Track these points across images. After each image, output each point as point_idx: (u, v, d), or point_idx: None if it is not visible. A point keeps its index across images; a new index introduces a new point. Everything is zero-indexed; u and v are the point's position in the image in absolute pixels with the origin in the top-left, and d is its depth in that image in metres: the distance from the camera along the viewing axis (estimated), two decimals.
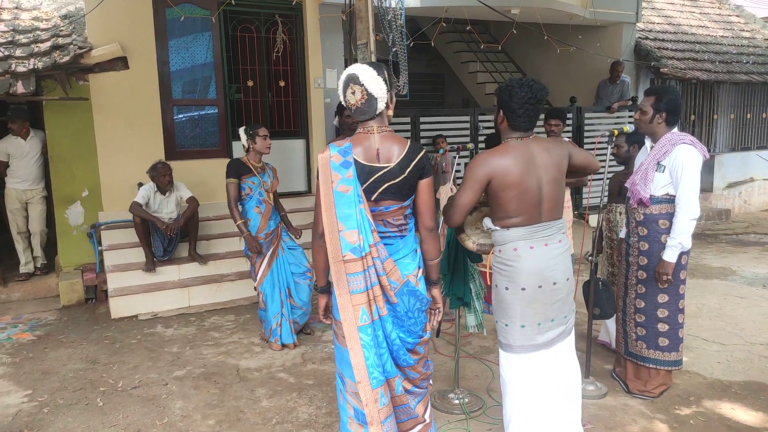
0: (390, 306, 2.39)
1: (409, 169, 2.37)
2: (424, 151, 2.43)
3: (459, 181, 5.88)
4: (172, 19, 6.30)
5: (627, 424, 3.25)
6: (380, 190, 2.35)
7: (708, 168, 10.28)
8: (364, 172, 2.33)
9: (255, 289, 4.64)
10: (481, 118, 8.00)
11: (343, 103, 2.44)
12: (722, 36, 11.02)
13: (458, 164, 6.11)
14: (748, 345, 4.31)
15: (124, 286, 5.51)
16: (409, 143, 2.42)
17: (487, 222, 2.75)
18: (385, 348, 2.38)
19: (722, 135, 10.45)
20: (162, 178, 5.57)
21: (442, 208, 4.80)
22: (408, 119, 7.51)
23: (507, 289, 2.65)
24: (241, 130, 4.58)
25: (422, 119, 7.62)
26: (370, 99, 2.35)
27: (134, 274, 5.60)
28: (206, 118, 6.74)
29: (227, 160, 6.62)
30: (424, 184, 2.44)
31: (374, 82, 2.34)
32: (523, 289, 2.61)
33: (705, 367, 3.96)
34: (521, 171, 2.53)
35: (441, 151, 7.18)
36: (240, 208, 4.53)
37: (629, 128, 3.81)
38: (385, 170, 2.35)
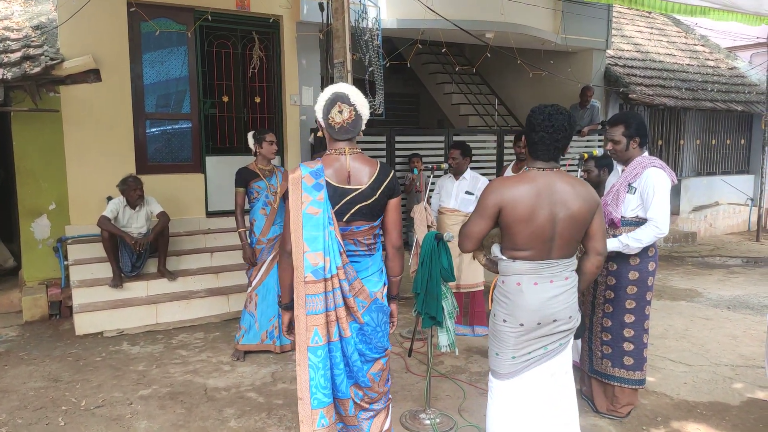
0: (357, 325, 2.40)
1: (380, 191, 2.41)
2: (393, 172, 2.48)
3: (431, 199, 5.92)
4: (148, 33, 6.26)
5: None
6: (352, 211, 2.38)
7: (675, 192, 10.54)
8: (336, 194, 2.34)
9: (247, 291, 4.68)
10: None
11: (321, 121, 2.42)
12: (688, 64, 11.39)
13: (432, 183, 6.14)
14: (713, 366, 4.39)
15: (89, 302, 5.38)
16: (379, 165, 2.45)
17: (495, 249, 2.66)
18: (342, 369, 2.38)
19: (688, 160, 10.75)
20: (132, 192, 5.48)
21: (416, 226, 4.84)
22: (383, 138, 7.55)
23: (504, 321, 2.56)
24: (250, 135, 4.70)
25: (397, 138, 7.67)
26: (357, 119, 2.40)
27: (101, 290, 5.47)
28: (180, 132, 6.68)
29: (200, 176, 6.68)
30: (393, 204, 2.48)
31: (363, 103, 2.42)
32: (521, 324, 2.51)
33: (672, 387, 4.02)
34: (533, 203, 2.41)
35: (416, 171, 7.24)
36: (249, 213, 4.64)
37: (598, 152, 3.90)
38: (357, 192, 2.38)
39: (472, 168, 5.43)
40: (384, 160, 7.51)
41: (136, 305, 5.44)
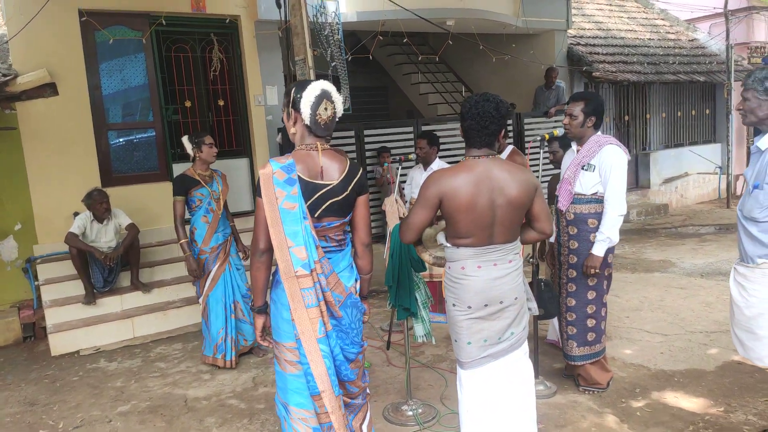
0: (335, 320, 2.40)
1: (351, 187, 2.41)
2: (362, 169, 2.49)
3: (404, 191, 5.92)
4: (103, 42, 6.13)
5: (577, 421, 3.31)
6: (323, 207, 2.37)
7: (644, 165, 10.70)
8: (308, 189, 2.33)
9: (198, 300, 4.60)
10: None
11: (305, 117, 2.36)
12: (650, 39, 11.52)
13: (403, 174, 6.13)
14: (688, 334, 4.47)
15: (63, 321, 5.28)
16: (348, 161, 2.46)
17: (440, 237, 2.73)
18: (333, 362, 2.38)
19: (656, 133, 10.88)
20: (98, 206, 5.37)
21: (387, 218, 4.83)
22: (352, 132, 7.51)
23: (454, 306, 2.64)
24: (185, 139, 4.51)
25: (366, 132, 7.63)
26: (335, 117, 2.42)
27: (74, 308, 5.37)
28: (144, 141, 6.57)
29: (167, 184, 6.56)
30: (362, 201, 2.49)
31: (339, 102, 2.43)
32: (469, 307, 2.58)
33: (649, 358, 4.08)
34: (473, 192, 2.46)
35: (386, 165, 7.22)
36: (188, 221, 4.49)
37: (559, 132, 3.93)
38: (329, 188, 2.37)
39: (442, 157, 5.43)
40: (354, 155, 7.47)
41: (112, 321, 5.34)
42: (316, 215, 2.36)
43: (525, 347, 2.74)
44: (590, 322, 3.54)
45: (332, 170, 2.39)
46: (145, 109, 6.54)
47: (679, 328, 4.60)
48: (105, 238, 5.49)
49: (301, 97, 2.36)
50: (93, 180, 5.95)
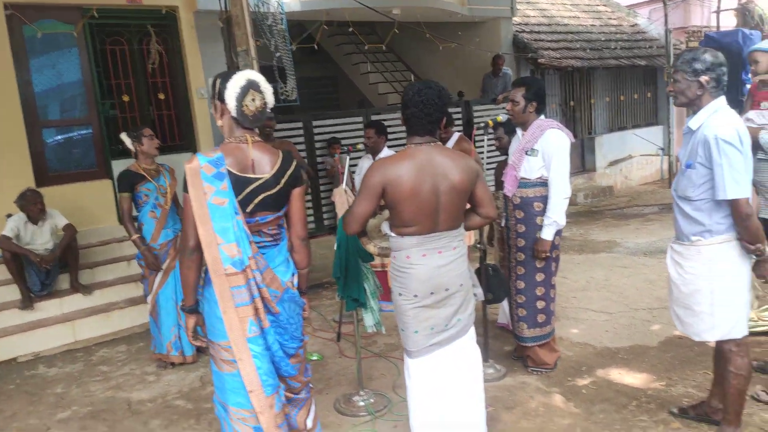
0: (272, 316, 2.34)
1: (284, 180, 2.35)
2: (295, 161, 2.41)
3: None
4: (32, 37, 5.83)
5: (525, 402, 3.35)
6: (255, 201, 2.29)
7: (590, 149, 10.95)
8: (238, 184, 2.25)
9: (146, 299, 4.46)
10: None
11: (231, 108, 2.27)
12: (592, 25, 11.75)
13: (353, 164, 6.08)
14: (632, 311, 4.58)
15: None
16: (281, 153, 2.39)
17: (385, 227, 2.70)
18: (268, 359, 2.32)
19: (600, 117, 11.14)
20: (32, 207, 5.12)
21: (337, 209, 4.77)
22: (300, 123, 7.40)
23: (401, 295, 2.62)
24: (124, 135, 4.38)
25: (315, 123, 7.54)
26: (265, 108, 2.34)
27: (10, 314, 5.11)
28: (80, 138, 6.30)
29: (107, 182, 6.34)
30: (297, 194, 2.43)
31: (269, 92, 2.35)
32: (416, 296, 2.57)
33: (595, 336, 4.17)
34: (416, 179, 2.44)
35: (336, 156, 7.15)
36: (136, 218, 4.37)
37: (502, 118, 3.95)
38: (260, 181, 2.30)
39: (391, 146, 5.39)
40: (303, 146, 7.37)
41: (51, 325, 5.11)
42: (248, 210, 2.28)
43: (472, 333, 2.74)
44: (540, 304, 3.58)
45: (264, 163, 2.32)
46: (81, 105, 6.27)
47: (624, 306, 4.72)
48: (41, 239, 5.25)
49: (225, 88, 2.27)
50: (26, 180, 5.67)
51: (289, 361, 2.40)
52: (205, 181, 2.20)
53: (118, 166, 6.32)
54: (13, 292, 5.27)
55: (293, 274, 2.45)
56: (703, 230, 2.60)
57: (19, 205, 5.14)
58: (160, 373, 4.30)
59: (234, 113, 2.28)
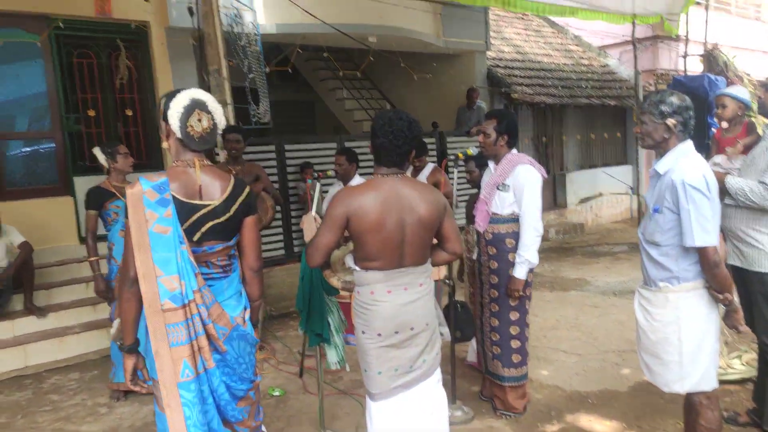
0: (219, 355, 2.18)
1: (234, 207, 2.21)
2: (249, 188, 2.29)
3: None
4: None
5: None
6: (203, 230, 2.16)
7: (561, 185, 11.05)
8: (184, 210, 2.11)
9: (111, 322, 4.21)
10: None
11: (175, 129, 2.15)
12: (564, 63, 11.99)
13: (325, 191, 5.97)
14: (602, 353, 4.53)
15: None
16: (232, 179, 2.26)
17: (349, 260, 2.59)
18: (211, 404, 2.15)
19: (571, 154, 11.29)
20: None
21: (305, 236, 4.63)
22: (272, 147, 7.28)
23: (363, 333, 2.50)
24: (97, 150, 4.26)
25: (287, 147, 7.42)
26: (214, 129, 2.21)
27: None
28: (41, 152, 6.07)
29: (68, 198, 6.10)
30: (250, 223, 2.30)
31: (219, 112, 2.22)
32: (379, 334, 2.45)
33: (564, 379, 4.09)
34: (381, 211, 2.35)
35: (309, 181, 7.02)
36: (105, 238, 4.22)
37: (473, 151, 3.91)
38: (209, 208, 2.16)
39: (364, 174, 5.30)
40: (274, 170, 7.24)
41: (1, 348, 4.83)
42: (195, 239, 2.14)
43: (438, 374, 2.63)
44: (514, 343, 3.48)
45: (213, 189, 2.19)
46: (44, 117, 6.05)
47: (594, 347, 4.67)
48: None
49: (169, 108, 2.14)
50: None
51: (237, 404, 2.23)
52: (148, 208, 2.06)
53: (81, 182, 6.13)
54: None
55: (245, 309, 2.29)
56: (671, 276, 2.56)
57: None
58: (112, 405, 4.07)
59: (179, 134, 2.15)
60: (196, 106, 2.15)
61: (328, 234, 2.40)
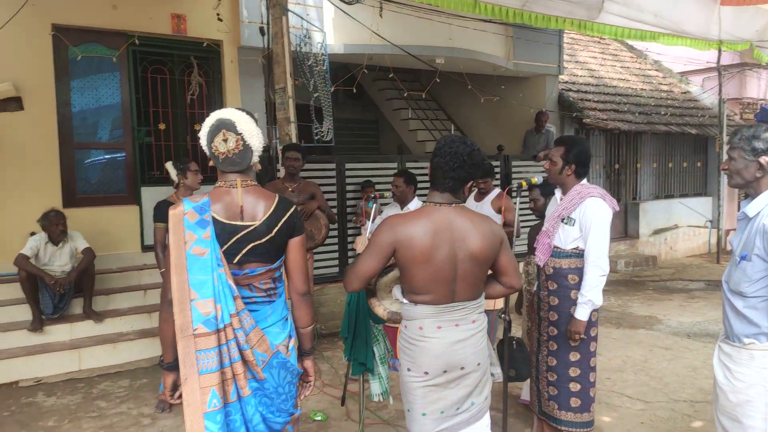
0: (256, 383, 2.07)
1: (277, 228, 2.11)
2: (294, 207, 2.18)
3: None
4: (76, 58, 5.91)
5: None
6: (244, 251, 2.07)
7: (633, 215, 10.51)
8: (225, 232, 2.04)
9: None
10: None
11: (205, 149, 2.12)
12: (642, 89, 11.48)
13: (380, 211, 5.86)
14: (672, 402, 4.15)
15: (4, 348, 4.91)
16: (277, 198, 2.16)
17: (396, 292, 2.43)
18: None
19: (646, 183, 10.74)
20: (54, 228, 5.07)
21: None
22: (333, 165, 7.27)
23: (409, 370, 2.31)
24: (169, 165, 4.33)
25: (348, 165, 7.39)
26: (246, 150, 2.10)
27: (17, 335, 5.01)
28: (112, 162, 6.30)
29: (134, 207, 6.29)
30: (295, 244, 2.18)
31: (253, 132, 2.12)
32: (426, 373, 2.27)
33: (628, 428, 3.76)
34: (431, 243, 2.18)
35: (370, 204, 6.94)
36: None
37: (537, 179, 3.68)
38: (250, 229, 2.08)
39: (422, 196, 5.16)
40: (334, 188, 7.22)
41: (57, 350, 4.97)
42: (235, 261, 2.06)
43: (486, 419, 2.42)
44: (573, 386, 3.19)
45: (255, 209, 2.11)
46: (117, 129, 6.29)
47: (663, 394, 4.28)
48: (59, 261, 5.18)
49: (201, 128, 2.12)
50: (54, 199, 5.66)
51: None
52: (188, 229, 2.00)
53: (148, 193, 6.32)
54: (24, 313, 5.18)
55: (290, 336, 2.18)
56: (758, 332, 2.24)
57: (42, 225, 5.11)
58: (156, 417, 4.07)
59: (207, 154, 2.12)
60: (222, 126, 2.08)
61: (370, 260, 2.24)
